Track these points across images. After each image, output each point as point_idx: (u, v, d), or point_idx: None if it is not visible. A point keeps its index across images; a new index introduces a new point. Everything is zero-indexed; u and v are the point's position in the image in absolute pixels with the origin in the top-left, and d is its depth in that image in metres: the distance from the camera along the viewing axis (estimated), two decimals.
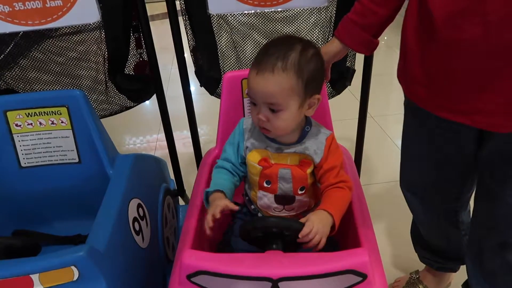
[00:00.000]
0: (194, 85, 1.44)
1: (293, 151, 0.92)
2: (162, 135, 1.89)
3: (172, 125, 1.48)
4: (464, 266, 1.12)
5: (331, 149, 0.92)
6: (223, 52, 1.39)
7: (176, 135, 1.52)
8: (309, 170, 0.92)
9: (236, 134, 0.97)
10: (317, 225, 0.80)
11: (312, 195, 0.96)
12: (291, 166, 0.92)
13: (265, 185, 0.94)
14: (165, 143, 1.51)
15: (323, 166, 0.91)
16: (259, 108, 0.85)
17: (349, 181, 0.93)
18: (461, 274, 1.24)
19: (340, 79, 1.38)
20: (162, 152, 2.18)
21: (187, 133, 1.94)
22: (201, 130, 1.54)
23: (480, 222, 1.00)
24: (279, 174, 0.92)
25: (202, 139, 1.55)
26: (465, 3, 0.74)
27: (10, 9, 1.15)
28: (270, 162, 0.92)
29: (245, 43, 1.39)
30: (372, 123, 2.31)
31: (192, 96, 1.43)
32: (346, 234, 0.96)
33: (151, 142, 2.33)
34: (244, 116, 1.15)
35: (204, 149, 1.48)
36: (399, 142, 1.12)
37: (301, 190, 0.94)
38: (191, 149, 1.54)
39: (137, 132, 2.44)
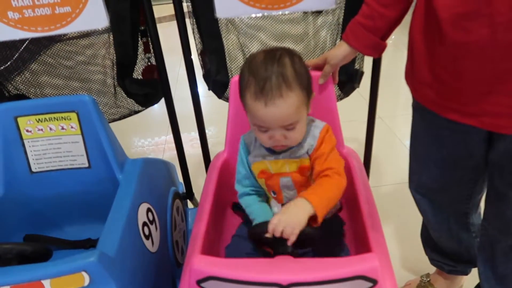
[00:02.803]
0: (202, 86, 1.44)
1: (288, 155, 0.92)
2: (170, 137, 1.87)
3: (180, 126, 1.49)
4: (476, 269, 1.11)
5: (324, 139, 0.91)
6: (231, 54, 1.39)
7: (184, 136, 1.53)
8: (308, 173, 0.93)
9: (242, 153, 0.99)
10: (283, 216, 0.76)
11: None
12: (291, 174, 0.92)
13: (272, 195, 0.96)
14: (173, 145, 1.52)
15: (313, 155, 0.91)
16: (273, 131, 0.85)
17: (337, 166, 0.88)
18: (472, 277, 1.23)
19: (348, 81, 1.37)
20: (170, 153, 2.19)
21: (194, 134, 1.93)
22: (208, 132, 1.54)
23: (491, 225, 0.99)
24: (281, 183, 0.93)
25: (209, 140, 1.55)
26: (472, 5, 0.74)
27: (20, 16, 1.16)
28: (269, 172, 0.93)
29: (252, 45, 1.39)
30: (381, 123, 2.30)
31: (200, 98, 1.43)
32: (355, 238, 0.96)
33: (160, 144, 2.34)
34: None
35: (212, 151, 1.49)
36: (408, 143, 1.11)
37: None
38: (199, 150, 1.54)
39: (145, 134, 2.46)
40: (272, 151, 0.93)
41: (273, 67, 0.81)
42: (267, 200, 1.02)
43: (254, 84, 0.81)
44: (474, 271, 1.16)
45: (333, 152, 0.91)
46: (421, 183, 1.12)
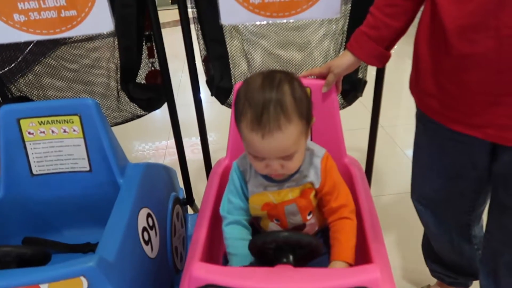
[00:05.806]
0: (204, 92, 1.44)
1: (294, 184, 0.89)
2: (171, 142, 1.86)
3: (181, 131, 1.49)
4: (477, 281, 1.10)
5: (327, 170, 0.89)
6: (234, 61, 1.40)
7: (184, 141, 1.53)
8: (311, 196, 0.90)
9: (236, 180, 0.92)
10: None
11: (318, 216, 0.95)
12: (295, 200, 0.89)
13: (275, 222, 0.93)
14: (174, 150, 1.52)
15: (323, 189, 0.89)
16: (269, 161, 0.80)
17: (350, 203, 0.91)
18: None
19: (351, 90, 1.37)
20: (171, 159, 2.19)
21: (195, 140, 1.92)
22: (209, 138, 1.54)
23: (494, 237, 0.99)
24: (286, 211, 0.90)
25: (210, 146, 1.56)
26: (478, 17, 0.74)
27: (26, 18, 1.16)
28: (273, 203, 0.90)
29: (256, 52, 1.39)
30: (382, 133, 2.29)
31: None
32: (357, 248, 0.95)
33: (160, 149, 2.34)
34: None
35: (213, 157, 1.48)
36: (409, 153, 1.11)
37: (309, 215, 0.93)
38: (199, 156, 1.54)
39: (146, 138, 2.46)
40: (272, 180, 0.89)
41: (271, 95, 0.75)
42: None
43: (251, 112, 0.75)
44: (476, 284, 1.15)
45: (342, 183, 0.91)
46: (423, 194, 1.12)
